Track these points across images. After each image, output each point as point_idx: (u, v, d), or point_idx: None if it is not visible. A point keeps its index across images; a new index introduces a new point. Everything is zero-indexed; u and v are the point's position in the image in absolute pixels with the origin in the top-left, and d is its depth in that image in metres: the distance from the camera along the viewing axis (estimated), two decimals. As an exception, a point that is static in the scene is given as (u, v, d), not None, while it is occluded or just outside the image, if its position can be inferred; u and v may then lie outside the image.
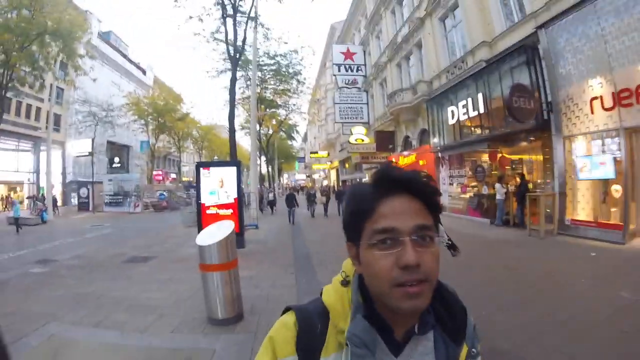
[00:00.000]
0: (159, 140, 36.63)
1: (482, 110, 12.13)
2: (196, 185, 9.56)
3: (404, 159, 18.57)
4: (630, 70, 7.54)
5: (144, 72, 45.43)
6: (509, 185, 11.79)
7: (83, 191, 26.47)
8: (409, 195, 0.69)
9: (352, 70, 26.03)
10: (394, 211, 0.68)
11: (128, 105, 32.19)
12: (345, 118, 25.24)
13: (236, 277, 4.20)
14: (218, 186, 9.08)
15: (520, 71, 10.71)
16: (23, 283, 6.40)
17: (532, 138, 10.99)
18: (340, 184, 37.52)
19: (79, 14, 22.21)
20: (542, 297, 4.80)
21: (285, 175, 72.45)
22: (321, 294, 0.79)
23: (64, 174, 31.30)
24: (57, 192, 27.15)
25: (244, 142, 43.05)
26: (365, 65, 26.51)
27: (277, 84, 26.32)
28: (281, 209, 20.08)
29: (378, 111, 25.31)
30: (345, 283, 0.77)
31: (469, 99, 12.72)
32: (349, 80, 25.90)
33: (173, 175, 45.65)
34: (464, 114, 12.94)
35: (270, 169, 40.70)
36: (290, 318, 0.75)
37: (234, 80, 13.44)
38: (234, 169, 9.20)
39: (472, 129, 13.42)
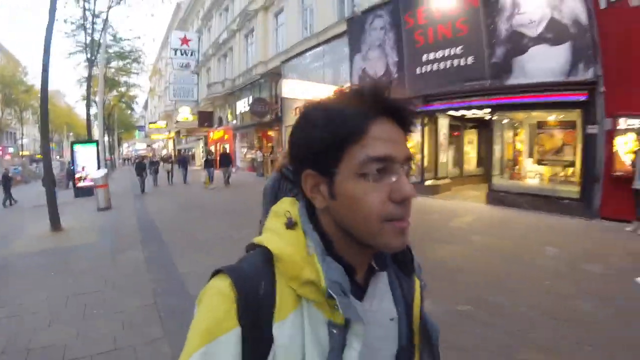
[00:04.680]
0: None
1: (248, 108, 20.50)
2: (72, 158, 15.38)
3: (217, 133, 26.51)
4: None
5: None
6: (264, 153, 20.59)
7: None
8: (393, 121, 0.58)
9: (187, 55, 30.04)
10: (390, 137, 0.57)
11: None
12: (177, 96, 30.73)
13: (108, 191, 11.51)
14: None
15: (273, 85, 19.09)
16: None
17: (275, 126, 19.99)
18: (178, 153, 40.48)
19: None
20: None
21: (125, 145, 70.46)
22: (252, 249, 0.63)
23: None
24: None
25: (81, 110, 43.45)
26: (198, 51, 30.87)
27: (120, 64, 28.32)
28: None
29: (203, 94, 30.45)
30: (291, 224, 0.62)
31: (247, 99, 21.08)
32: (183, 64, 30.27)
33: (11, 149, 43.75)
34: (243, 107, 21.28)
35: (110, 139, 41.36)
36: (223, 282, 0.57)
37: (89, 77, 18.78)
38: (94, 145, 15.67)
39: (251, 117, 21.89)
